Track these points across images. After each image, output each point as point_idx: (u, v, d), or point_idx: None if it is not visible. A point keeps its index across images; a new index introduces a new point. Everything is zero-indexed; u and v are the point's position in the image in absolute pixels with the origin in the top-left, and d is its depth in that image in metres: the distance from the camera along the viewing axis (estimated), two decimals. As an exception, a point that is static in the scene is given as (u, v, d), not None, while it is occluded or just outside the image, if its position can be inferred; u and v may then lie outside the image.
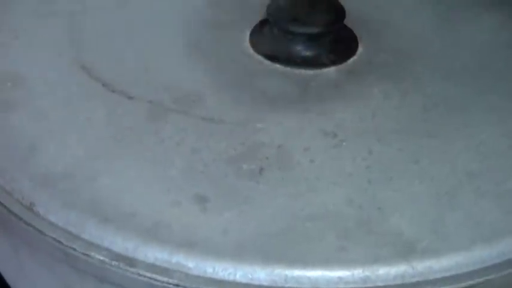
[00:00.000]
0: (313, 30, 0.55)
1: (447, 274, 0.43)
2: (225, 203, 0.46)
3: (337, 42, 0.56)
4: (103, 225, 0.45)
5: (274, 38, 0.56)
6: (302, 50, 0.56)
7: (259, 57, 0.56)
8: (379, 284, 0.43)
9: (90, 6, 0.59)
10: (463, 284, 0.43)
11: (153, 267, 0.43)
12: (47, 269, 0.48)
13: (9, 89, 0.53)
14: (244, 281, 0.43)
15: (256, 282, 0.43)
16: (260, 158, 0.48)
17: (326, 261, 0.43)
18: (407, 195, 0.47)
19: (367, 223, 0.45)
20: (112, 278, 0.44)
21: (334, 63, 0.56)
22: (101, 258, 0.44)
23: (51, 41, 0.57)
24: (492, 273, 0.44)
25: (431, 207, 0.46)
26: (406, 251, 0.43)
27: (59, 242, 0.45)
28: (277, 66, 0.55)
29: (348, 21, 0.57)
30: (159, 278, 0.43)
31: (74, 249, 0.44)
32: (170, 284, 0.43)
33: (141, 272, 0.43)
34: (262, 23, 0.58)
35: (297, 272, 0.42)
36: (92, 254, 0.44)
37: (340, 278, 0.42)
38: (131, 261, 0.43)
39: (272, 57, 0.56)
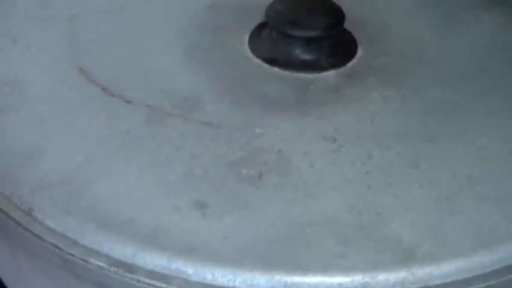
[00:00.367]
0: (312, 33, 0.55)
1: (447, 280, 0.43)
2: (225, 209, 0.46)
3: (337, 46, 0.56)
4: (102, 231, 0.44)
5: (273, 42, 0.56)
6: (301, 54, 0.56)
7: (258, 61, 0.56)
8: (379, 290, 0.43)
9: (88, 10, 0.59)
10: (464, 290, 0.43)
11: (152, 274, 0.43)
12: (45, 275, 0.48)
13: (7, 93, 0.53)
14: (243, 287, 0.42)
15: (256, 289, 0.43)
16: (259, 163, 0.48)
17: (326, 268, 0.43)
18: (407, 200, 0.47)
19: (367, 229, 0.45)
20: (111, 285, 0.44)
21: (333, 66, 0.55)
22: (100, 264, 0.44)
23: (49, 45, 0.56)
24: (493, 278, 0.43)
25: (431, 212, 0.46)
26: (406, 257, 0.43)
27: (58, 247, 0.44)
28: (276, 69, 0.55)
29: (347, 25, 0.56)
30: (158, 284, 0.43)
31: (73, 255, 0.44)
32: (170, 290, 0.43)
33: (141, 278, 0.43)
34: (261, 27, 0.58)
35: (297, 279, 0.42)
36: (91, 260, 0.44)
37: (340, 285, 0.42)
38: (130, 268, 0.43)
39: (271, 61, 0.56)
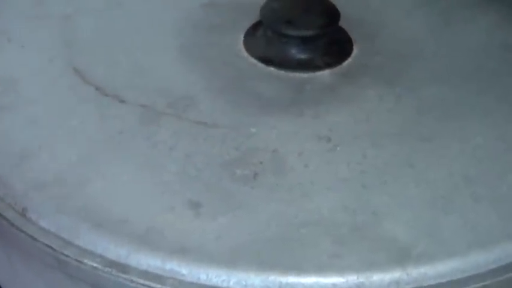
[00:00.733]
0: (308, 32, 0.55)
1: (442, 280, 0.43)
2: (219, 209, 0.45)
3: (332, 45, 0.56)
4: (95, 231, 0.44)
5: (268, 41, 0.56)
6: (296, 53, 0.55)
7: (253, 60, 0.56)
8: (374, 290, 0.43)
9: (83, 10, 0.59)
10: (459, 290, 0.43)
11: (146, 274, 0.43)
12: (40, 275, 0.47)
13: (1, 93, 0.52)
14: (238, 287, 0.42)
15: (250, 289, 0.42)
16: (254, 163, 0.48)
17: (320, 268, 0.43)
18: (402, 200, 0.46)
19: (362, 229, 0.45)
20: (105, 285, 0.44)
21: (328, 66, 0.55)
22: (94, 264, 0.43)
23: (43, 44, 0.56)
24: (488, 278, 0.43)
25: (426, 211, 0.46)
26: (401, 256, 0.43)
27: (52, 248, 0.44)
28: (271, 69, 0.55)
29: (342, 24, 0.56)
30: (152, 284, 0.43)
31: (67, 256, 0.44)
32: (163, 290, 0.42)
33: (134, 278, 0.43)
34: (256, 26, 0.58)
35: (292, 279, 0.42)
36: (85, 260, 0.44)
37: (334, 285, 0.42)
38: (124, 268, 0.43)
39: (266, 60, 0.55)
